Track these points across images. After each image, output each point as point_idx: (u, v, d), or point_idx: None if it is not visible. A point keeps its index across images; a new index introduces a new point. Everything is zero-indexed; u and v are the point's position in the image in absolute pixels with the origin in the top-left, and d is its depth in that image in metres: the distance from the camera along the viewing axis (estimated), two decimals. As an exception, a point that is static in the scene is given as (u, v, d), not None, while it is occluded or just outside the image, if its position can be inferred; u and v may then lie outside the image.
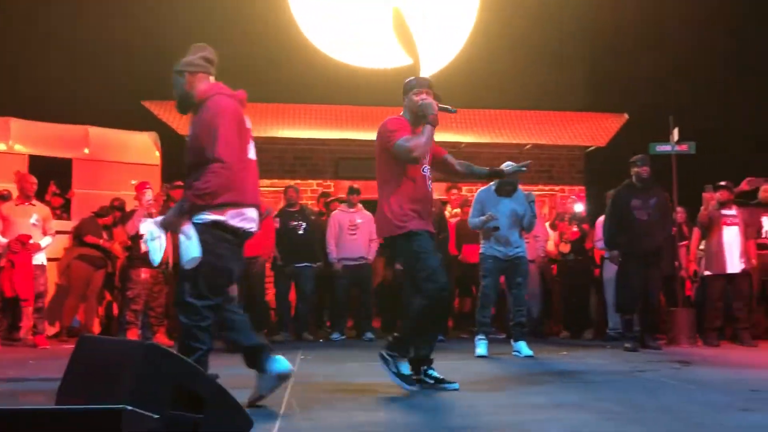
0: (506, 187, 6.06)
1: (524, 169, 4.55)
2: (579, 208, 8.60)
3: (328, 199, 8.95)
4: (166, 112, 9.58)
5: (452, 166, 4.35)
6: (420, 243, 3.98)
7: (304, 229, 7.90)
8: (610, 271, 7.51)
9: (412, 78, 4.26)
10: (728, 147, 9.91)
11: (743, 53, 10.55)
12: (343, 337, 7.93)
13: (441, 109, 4.05)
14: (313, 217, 8.10)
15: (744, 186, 7.99)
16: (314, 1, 10.47)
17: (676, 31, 10.76)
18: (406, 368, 4.04)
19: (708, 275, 7.47)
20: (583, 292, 8.28)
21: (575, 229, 8.20)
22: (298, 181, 9.78)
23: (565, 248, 8.16)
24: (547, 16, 9.95)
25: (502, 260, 6.15)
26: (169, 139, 9.58)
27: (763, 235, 7.77)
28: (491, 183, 6.18)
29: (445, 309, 4.11)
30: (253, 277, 7.30)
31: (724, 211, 7.48)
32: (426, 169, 4.10)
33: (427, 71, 10.28)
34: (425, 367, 4.16)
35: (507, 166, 4.68)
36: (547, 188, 10.48)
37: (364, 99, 10.07)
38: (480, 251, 6.40)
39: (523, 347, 6.07)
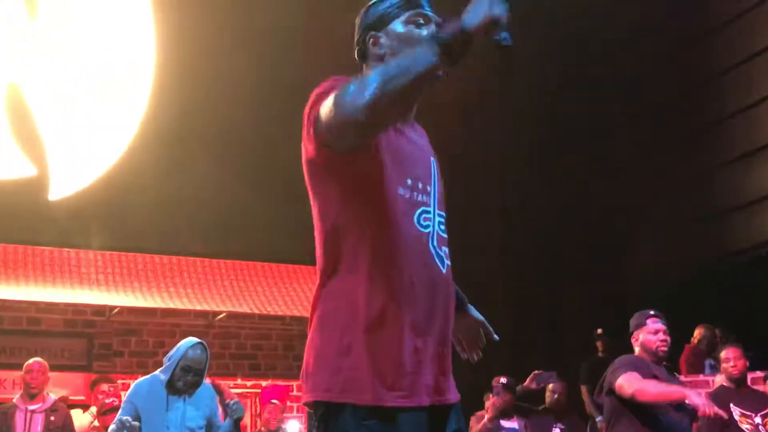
0: (187, 378, 5.10)
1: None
2: (293, 427, 7.85)
3: None
4: None
5: None
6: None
7: None
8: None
9: None
10: (509, 323, 9.34)
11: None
12: None
13: (488, 26, 1.95)
14: None
15: (530, 384, 7.34)
16: None
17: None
18: None
19: None
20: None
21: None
22: None
23: None
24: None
25: None
26: None
27: (557, 456, 7.31)
28: (160, 372, 5.23)
29: None
30: None
31: (504, 424, 6.87)
32: (431, 210, 2.26)
33: (58, 190, 8.86)
34: None
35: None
36: (249, 383, 8.94)
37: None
38: None
39: None
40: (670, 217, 9.69)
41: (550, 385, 7.24)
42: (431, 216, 2.24)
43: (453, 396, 2.30)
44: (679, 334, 7.32)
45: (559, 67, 10.30)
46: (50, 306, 8.83)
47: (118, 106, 9.59)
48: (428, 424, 2.19)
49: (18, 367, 6.78)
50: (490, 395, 6.98)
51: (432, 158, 2.31)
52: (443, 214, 2.30)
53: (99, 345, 9.10)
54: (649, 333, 4.78)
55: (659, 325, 4.81)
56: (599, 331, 8.01)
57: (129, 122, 9.66)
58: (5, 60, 9.13)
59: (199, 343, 5.23)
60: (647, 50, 10.09)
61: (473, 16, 1.91)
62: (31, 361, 6.54)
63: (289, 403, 8.31)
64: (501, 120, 10.91)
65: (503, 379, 6.83)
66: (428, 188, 2.25)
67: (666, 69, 10.04)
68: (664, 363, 4.87)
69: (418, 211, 2.20)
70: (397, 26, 2.18)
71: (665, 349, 4.79)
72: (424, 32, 2.16)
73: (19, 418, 6.30)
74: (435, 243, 2.23)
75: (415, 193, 2.22)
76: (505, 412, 6.78)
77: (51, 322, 8.89)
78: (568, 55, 10.27)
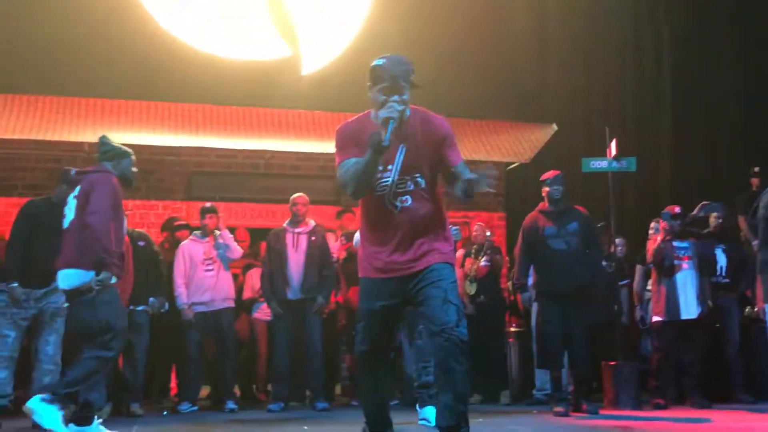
0: None
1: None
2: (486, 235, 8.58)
3: (176, 223, 8.51)
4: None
5: (450, 183, 3.85)
6: (361, 290, 4.02)
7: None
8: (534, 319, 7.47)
9: (380, 60, 3.84)
10: (675, 164, 10.40)
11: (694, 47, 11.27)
12: (195, 408, 7.58)
13: (381, 122, 3.64)
14: (141, 243, 7.49)
15: (698, 212, 8.20)
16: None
17: (611, 34, 11.29)
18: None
19: (657, 322, 7.57)
20: (498, 343, 8.27)
21: (483, 263, 8.19)
22: (137, 202, 9.41)
23: (471, 289, 8.16)
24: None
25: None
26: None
27: (719, 272, 8.00)
28: None
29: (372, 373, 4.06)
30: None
31: (676, 244, 7.60)
32: (389, 180, 3.78)
33: (309, 65, 10.38)
34: None
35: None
36: (459, 215, 10.25)
37: (227, 97, 9.92)
38: None
39: (433, 414, 5.77)
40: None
41: (714, 213, 8.11)
42: (387, 183, 3.76)
43: (420, 266, 3.79)
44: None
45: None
46: (308, 155, 10.30)
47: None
48: (392, 286, 3.81)
49: (285, 202, 7.97)
50: (658, 221, 7.82)
51: (401, 146, 3.75)
52: (405, 177, 3.75)
53: (346, 185, 10.92)
54: None
55: None
56: (756, 169, 8.64)
57: (360, 6, 10.71)
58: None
59: None
60: None
61: (382, 125, 3.57)
62: (296, 195, 7.77)
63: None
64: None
65: (677, 209, 7.66)
66: (389, 167, 3.76)
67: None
68: None
69: (378, 182, 3.77)
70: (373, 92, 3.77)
71: None
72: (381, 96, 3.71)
73: (288, 239, 7.63)
74: (390, 198, 3.77)
75: (379, 174, 3.75)
76: (676, 234, 7.53)
77: (308, 168, 10.39)
78: None
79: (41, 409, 4.84)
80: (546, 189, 7.03)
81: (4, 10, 9.10)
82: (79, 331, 5.37)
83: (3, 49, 9.15)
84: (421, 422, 5.97)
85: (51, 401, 4.86)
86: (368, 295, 3.90)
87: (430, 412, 5.91)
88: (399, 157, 3.74)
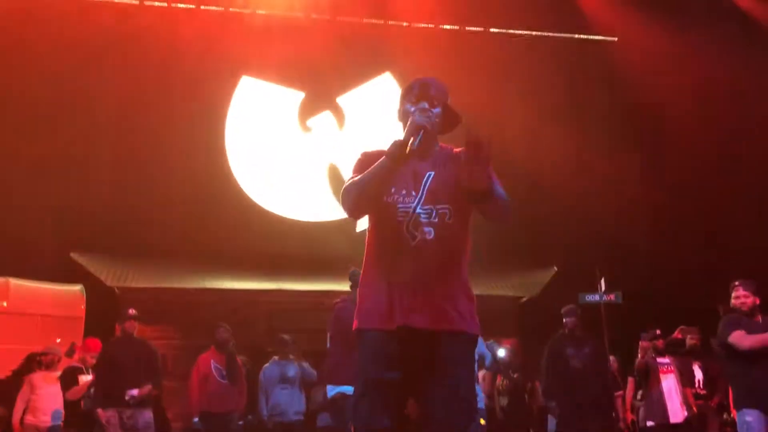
0: None
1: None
2: (502, 353, 8.35)
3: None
4: (94, 264, 9.37)
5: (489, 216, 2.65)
6: (361, 353, 2.58)
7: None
8: (552, 423, 7.34)
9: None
10: (655, 296, 10.14)
11: (666, 207, 11.15)
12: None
13: (410, 129, 2.57)
14: (246, 367, 7.70)
15: (677, 335, 7.95)
16: (250, 154, 10.82)
17: (601, 187, 11.33)
18: None
19: (650, 426, 7.32)
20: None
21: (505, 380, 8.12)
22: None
23: (503, 402, 8.04)
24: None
25: None
26: (96, 292, 9.36)
27: (697, 385, 7.59)
28: None
29: None
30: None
31: (660, 360, 7.45)
32: (411, 205, 2.60)
33: (361, 225, 10.45)
34: None
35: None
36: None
37: (299, 250, 10.16)
38: None
39: None
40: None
41: (689, 336, 7.69)
42: (410, 209, 2.58)
43: (434, 326, 2.48)
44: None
45: None
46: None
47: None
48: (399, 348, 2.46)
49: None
50: (642, 342, 7.73)
51: (430, 172, 2.64)
52: (430, 206, 2.58)
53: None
54: (733, 298, 5.38)
55: (737, 292, 5.36)
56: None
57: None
58: (327, 150, 11.23)
59: None
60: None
61: (408, 132, 2.53)
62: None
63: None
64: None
65: (658, 331, 7.60)
66: (412, 192, 2.61)
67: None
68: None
69: (399, 206, 2.59)
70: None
71: (744, 308, 5.26)
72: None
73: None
74: (410, 226, 2.57)
75: (396, 197, 2.60)
76: (658, 351, 7.40)
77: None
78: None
79: None
80: (564, 320, 7.11)
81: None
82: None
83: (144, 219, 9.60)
84: None
85: None
86: (374, 358, 2.52)
87: None
88: (426, 183, 2.62)
